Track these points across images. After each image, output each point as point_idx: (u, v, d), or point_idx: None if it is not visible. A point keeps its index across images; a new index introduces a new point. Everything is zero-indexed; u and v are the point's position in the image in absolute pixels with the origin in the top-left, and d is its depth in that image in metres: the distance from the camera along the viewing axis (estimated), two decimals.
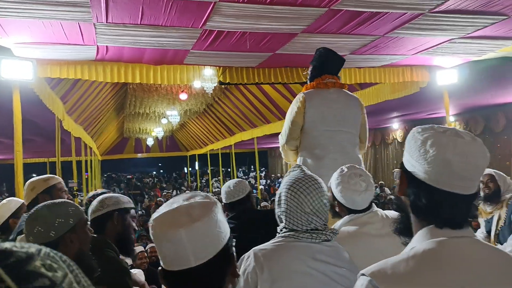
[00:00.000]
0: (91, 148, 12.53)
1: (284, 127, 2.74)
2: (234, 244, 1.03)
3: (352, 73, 5.49)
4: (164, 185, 21.40)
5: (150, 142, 19.47)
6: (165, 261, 0.95)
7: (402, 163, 0.95)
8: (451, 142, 0.84)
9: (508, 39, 4.38)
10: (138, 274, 2.86)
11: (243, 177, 23.85)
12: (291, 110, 2.67)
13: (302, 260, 1.39)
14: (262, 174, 23.20)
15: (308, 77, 2.81)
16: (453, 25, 3.90)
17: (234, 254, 1.01)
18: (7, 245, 0.42)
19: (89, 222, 1.76)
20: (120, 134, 18.36)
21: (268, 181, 21.21)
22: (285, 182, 1.51)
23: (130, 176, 21.59)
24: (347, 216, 1.80)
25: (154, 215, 0.98)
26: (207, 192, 17.03)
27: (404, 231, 0.96)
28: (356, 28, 3.87)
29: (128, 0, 3.09)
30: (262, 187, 16.63)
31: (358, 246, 1.65)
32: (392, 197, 9.40)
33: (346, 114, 2.64)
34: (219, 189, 17.84)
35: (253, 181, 21.59)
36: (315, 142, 2.61)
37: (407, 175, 0.91)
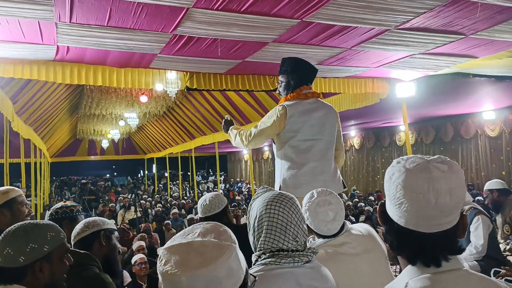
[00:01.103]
0: (40, 150, 11.83)
1: (252, 131, 2.68)
2: None
3: (318, 82, 5.59)
4: (120, 189, 20.65)
5: (105, 144, 18.73)
6: None
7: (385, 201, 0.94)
8: (414, 179, 0.83)
9: (463, 56, 4.66)
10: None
11: (202, 181, 23.57)
12: (267, 121, 2.65)
13: None
14: (221, 179, 23.05)
15: (283, 87, 2.81)
16: (416, 41, 4.09)
17: None
18: None
19: (71, 247, 1.64)
20: (73, 135, 17.51)
21: (227, 186, 21.10)
22: (258, 203, 1.43)
23: (85, 181, 20.56)
24: (321, 239, 1.79)
25: (166, 245, 0.92)
26: (165, 195, 16.69)
27: (395, 258, 0.97)
28: (325, 40, 3.95)
29: (96, 1, 2.94)
30: (222, 191, 16.52)
31: (337, 267, 1.63)
32: (350, 203, 9.68)
33: (325, 122, 2.68)
34: (177, 194, 17.50)
35: (212, 185, 21.40)
36: (296, 151, 2.62)
37: (381, 209, 0.92)
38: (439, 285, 0.80)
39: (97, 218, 1.93)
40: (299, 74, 2.72)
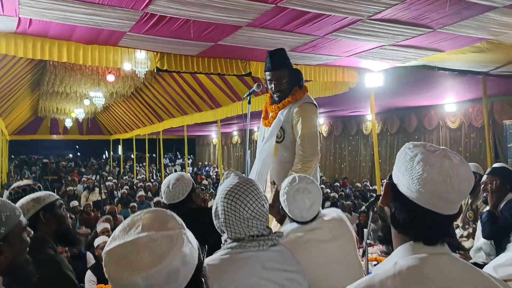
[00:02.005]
0: None
1: (313, 141, 2.67)
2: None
3: None
4: (83, 170, 20.05)
5: (68, 123, 18.03)
6: None
7: (390, 175, 0.98)
8: (438, 162, 0.87)
9: (430, 50, 4.81)
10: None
11: (170, 163, 23.29)
12: (316, 123, 2.72)
13: (252, 272, 1.35)
14: (189, 162, 22.86)
15: (293, 81, 2.83)
16: (386, 32, 4.16)
17: (203, 280, 0.94)
18: None
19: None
20: (34, 113, 16.71)
21: (195, 169, 20.97)
22: (220, 191, 1.46)
23: (47, 160, 19.73)
24: (295, 223, 1.82)
25: (107, 247, 0.84)
26: (131, 177, 16.35)
27: (384, 240, 1.00)
28: (299, 27, 3.95)
29: None
30: (189, 174, 16.39)
31: (307, 252, 1.68)
32: (328, 190, 9.90)
33: None
34: (144, 176, 17.20)
35: (179, 169, 21.19)
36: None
37: (392, 187, 0.94)
38: (426, 266, 0.85)
39: (29, 198, 1.81)
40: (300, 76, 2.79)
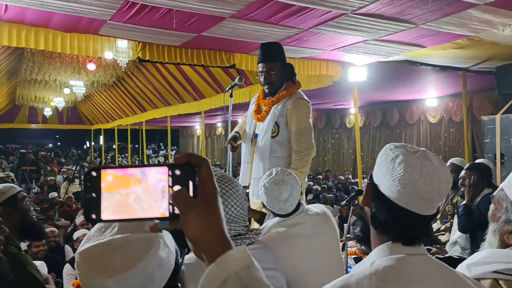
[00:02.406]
0: None
1: (309, 135, 2.71)
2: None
3: None
4: (63, 160, 19.67)
5: (47, 112, 17.59)
6: None
7: (371, 176, 0.98)
8: (419, 163, 0.88)
9: (412, 45, 4.86)
10: (39, 267, 2.60)
11: (153, 155, 23.06)
12: (309, 118, 2.71)
13: None
14: (173, 153, 22.68)
15: (286, 74, 2.81)
16: (370, 27, 4.18)
17: (180, 284, 0.91)
18: None
19: None
20: (11, 101, 16.22)
21: None
22: None
23: (24, 151, 19.22)
24: (277, 218, 1.82)
25: (81, 248, 0.81)
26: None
27: (363, 240, 1.01)
28: (283, 19, 3.93)
29: None
30: None
31: (288, 247, 1.67)
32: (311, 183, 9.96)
33: None
34: None
35: (162, 160, 21.03)
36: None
37: (373, 188, 0.94)
38: (402, 266, 0.86)
39: None
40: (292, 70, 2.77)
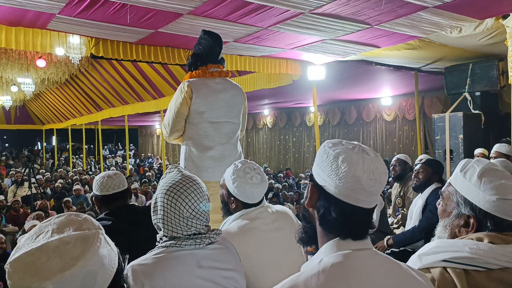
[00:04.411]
0: None
1: (167, 118, 2.58)
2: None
3: (234, 60, 5.55)
4: (11, 162, 18.54)
5: None
6: None
7: (311, 176, 0.97)
8: (360, 159, 0.89)
9: (368, 45, 5.00)
10: None
11: (110, 155, 22.29)
12: (176, 100, 2.54)
13: (187, 271, 1.31)
14: (131, 153, 22.04)
15: (190, 63, 2.71)
16: (327, 27, 4.25)
17: (125, 285, 0.86)
18: None
19: None
20: None
21: (138, 161, 20.27)
22: (161, 186, 1.41)
23: None
24: (238, 212, 1.80)
25: (10, 258, 0.74)
26: (67, 170, 15.41)
27: (308, 241, 1.00)
28: (242, 17, 3.90)
29: None
30: (131, 166, 15.80)
31: (249, 241, 1.68)
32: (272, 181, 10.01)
33: (232, 105, 2.64)
34: (81, 168, 16.30)
35: (121, 160, 20.37)
36: (202, 133, 2.55)
37: (317, 189, 0.94)
38: (350, 261, 0.86)
39: None
40: (206, 50, 2.62)
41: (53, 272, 0.71)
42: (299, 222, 1.19)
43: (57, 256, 0.73)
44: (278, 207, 1.92)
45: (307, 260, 2.33)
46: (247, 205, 1.80)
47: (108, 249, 0.80)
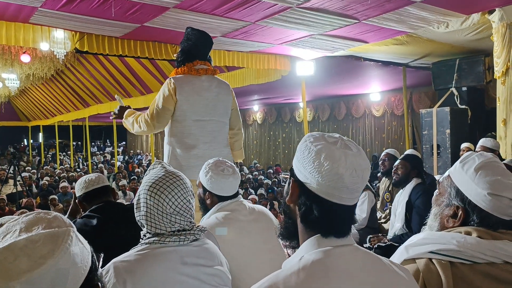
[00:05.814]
0: None
1: (152, 112, 2.51)
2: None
3: (222, 55, 5.51)
4: None
5: None
6: None
7: (292, 170, 0.95)
8: (342, 155, 0.87)
9: (356, 40, 5.00)
10: None
11: (98, 152, 22.05)
12: (162, 95, 2.50)
13: (170, 268, 1.29)
14: (120, 150, 21.83)
15: (178, 60, 2.66)
16: (315, 22, 4.23)
17: (100, 284, 0.84)
18: None
19: None
20: None
21: (126, 157, 20.08)
22: (144, 182, 1.39)
23: None
24: (215, 206, 1.82)
25: None
26: (54, 167, 15.18)
27: (289, 236, 0.98)
28: (230, 11, 3.85)
29: None
30: (120, 163, 15.64)
31: (228, 230, 1.69)
32: (251, 176, 9.99)
33: (217, 103, 2.60)
34: (68, 165, 16.08)
35: (109, 157, 20.16)
36: (186, 131, 2.52)
37: (299, 185, 0.92)
38: (331, 258, 0.85)
39: None
40: (192, 47, 2.58)
41: (20, 272, 0.68)
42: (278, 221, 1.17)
43: (25, 256, 0.69)
44: (255, 206, 1.93)
45: (286, 251, 2.33)
46: (222, 198, 1.81)
47: (81, 247, 0.77)
